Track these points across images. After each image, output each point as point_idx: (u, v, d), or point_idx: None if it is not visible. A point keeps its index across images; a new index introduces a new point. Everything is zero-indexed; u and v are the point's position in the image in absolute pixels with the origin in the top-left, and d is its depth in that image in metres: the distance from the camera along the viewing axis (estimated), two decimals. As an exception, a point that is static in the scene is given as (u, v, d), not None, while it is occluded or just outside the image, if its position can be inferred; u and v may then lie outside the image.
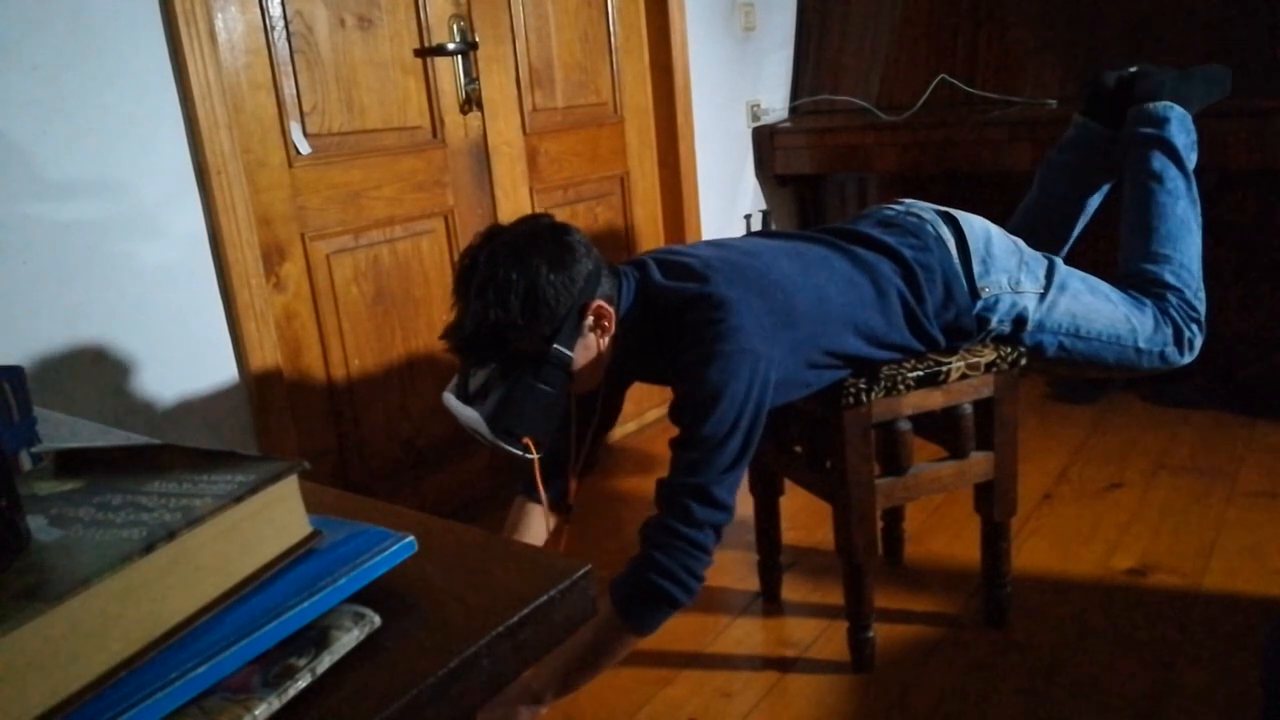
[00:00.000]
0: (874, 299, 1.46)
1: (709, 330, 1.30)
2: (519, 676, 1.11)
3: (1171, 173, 1.71)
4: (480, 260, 1.30)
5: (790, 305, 1.37)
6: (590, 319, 1.33)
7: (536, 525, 1.55)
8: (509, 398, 1.29)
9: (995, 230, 1.62)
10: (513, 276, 1.27)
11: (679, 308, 1.35)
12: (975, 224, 1.60)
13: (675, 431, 1.32)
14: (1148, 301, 1.64)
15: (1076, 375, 1.75)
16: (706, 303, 1.32)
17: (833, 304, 1.42)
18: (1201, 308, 1.64)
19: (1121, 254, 1.73)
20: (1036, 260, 1.61)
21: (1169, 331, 1.62)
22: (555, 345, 1.30)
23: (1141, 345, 1.61)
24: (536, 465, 1.34)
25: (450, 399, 1.33)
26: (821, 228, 1.64)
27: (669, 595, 1.26)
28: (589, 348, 1.35)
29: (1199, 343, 1.63)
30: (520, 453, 1.30)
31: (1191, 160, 1.73)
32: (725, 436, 1.27)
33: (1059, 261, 1.63)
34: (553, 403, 1.32)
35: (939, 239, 1.56)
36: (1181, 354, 1.62)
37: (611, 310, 1.35)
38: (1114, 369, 1.64)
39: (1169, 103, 1.76)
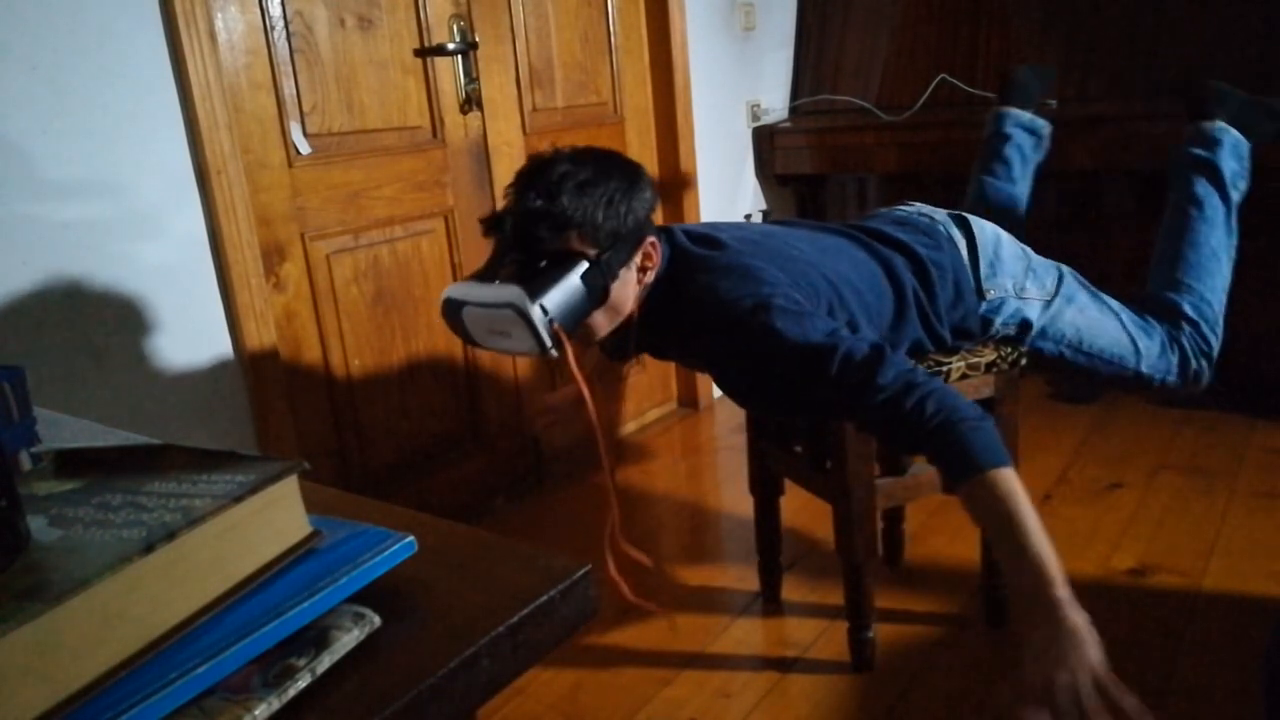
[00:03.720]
0: (888, 289, 1.46)
1: (746, 299, 1.28)
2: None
3: (1214, 200, 1.69)
4: (560, 158, 1.30)
5: (808, 280, 1.37)
6: (640, 255, 1.34)
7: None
8: (550, 279, 1.24)
9: (1005, 236, 1.63)
10: (595, 178, 1.28)
11: (709, 273, 1.34)
12: (986, 227, 1.62)
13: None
14: (1159, 327, 1.62)
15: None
16: (735, 271, 1.32)
17: (848, 286, 1.41)
18: (1216, 343, 1.62)
19: (1150, 273, 1.73)
20: (1045, 268, 1.62)
21: (1174, 360, 1.60)
22: (607, 257, 1.28)
23: (1144, 369, 1.60)
24: (569, 351, 1.25)
25: (468, 285, 1.28)
26: (834, 223, 1.64)
27: (966, 420, 1.13)
28: (628, 283, 1.34)
29: (1206, 377, 1.61)
30: (546, 338, 1.22)
31: (1239, 188, 1.71)
32: (826, 358, 1.21)
33: (1068, 272, 1.64)
34: (582, 307, 1.27)
35: (950, 239, 1.57)
36: (1183, 383, 1.61)
37: (657, 256, 1.35)
38: (1110, 382, 1.64)
39: (1224, 124, 1.73)
